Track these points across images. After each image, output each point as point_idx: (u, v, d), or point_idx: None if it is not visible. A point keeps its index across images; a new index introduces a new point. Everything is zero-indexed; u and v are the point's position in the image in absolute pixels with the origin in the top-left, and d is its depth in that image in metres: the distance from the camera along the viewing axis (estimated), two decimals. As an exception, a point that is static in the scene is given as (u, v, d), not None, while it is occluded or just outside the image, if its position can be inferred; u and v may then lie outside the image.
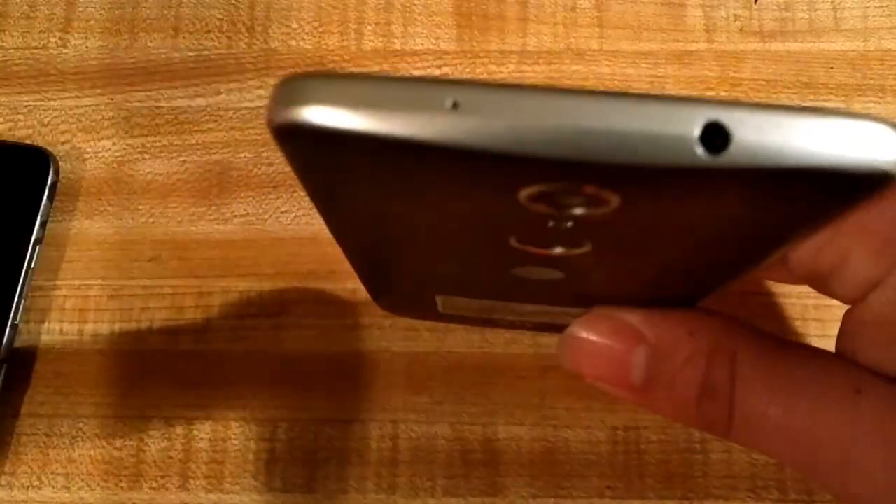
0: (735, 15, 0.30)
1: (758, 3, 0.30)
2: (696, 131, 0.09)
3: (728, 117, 0.10)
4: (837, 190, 0.10)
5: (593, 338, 0.17)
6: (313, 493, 0.25)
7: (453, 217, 0.13)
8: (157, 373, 0.26)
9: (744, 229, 0.12)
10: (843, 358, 0.16)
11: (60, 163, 0.29)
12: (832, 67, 0.29)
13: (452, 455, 0.25)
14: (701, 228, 0.12)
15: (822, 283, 0.16)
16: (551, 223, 0.12)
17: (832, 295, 0.16)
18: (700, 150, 0.09)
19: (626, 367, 0.17)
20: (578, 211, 0.11)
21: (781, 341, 0.17)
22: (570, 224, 0.12)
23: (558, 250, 0.14)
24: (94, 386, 0.26)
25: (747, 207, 0.11)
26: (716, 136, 0.09)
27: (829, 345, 0.17)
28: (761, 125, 0.10)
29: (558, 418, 0.26)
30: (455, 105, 0.09)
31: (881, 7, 0.30)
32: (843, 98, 0.29)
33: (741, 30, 0.30)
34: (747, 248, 0.14)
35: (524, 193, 0.11)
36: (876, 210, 0.14)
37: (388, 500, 0.25)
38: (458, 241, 0.15)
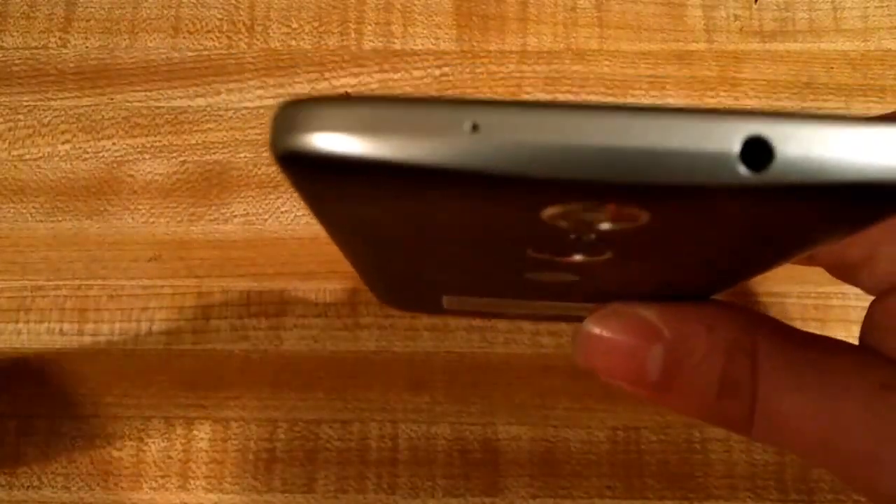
0: (735, 15, 0.30)
1: (758, 3, 0.30)
2: (737, 147, 0.09)
3: (770, 131, 0.09)
4: (886, 201, 0.10)
5: (608, 334, 0.17)
6: (313, 493, 0.25)
7: (469, 233, 0.12)
8: (157, 373, 0.26)
9: (777, 236, 0.12)
10: (868, 351, 0.15)
11: (61, 163, 0.29)
12: (832, 67, 0.29)
13: (452, 455, 0.25)
14: (731, 238, 0.12)
15: (847, 274, 0.16)
16: (573, 236, 0.11)
17: (858, 285, 0.16)
18: (741, 168, 0.09)
19: (642, 364, 0.16)
20: (604, 226, 0.11)
21: (804, 334, 0.16)
22: (592, 236, 0.11)
23: (577, 258, 0.13)
24: (94, 386, 0.26)
25: (785, 219, 0.11)
26: (758, 151, 0.09)
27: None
28: (806, 138, 0.09)
29: (558, 418, 0.26)
30: (475, 127, 0.09)
31: (881, 7, 0.30)
32: (843, 98, 0.29)
33: (741, 30, 0.30)
34: (778, 251, 0.13)
35: (548, 212, 0.10)
36: None
37: (388, 500, 0.25)
38: (473, 253, 0.14)
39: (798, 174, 0.09)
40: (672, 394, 0.17)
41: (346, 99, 0.09)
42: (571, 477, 0.25)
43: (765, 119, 0.09)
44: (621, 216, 0.10)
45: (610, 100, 0.29)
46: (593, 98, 0.29)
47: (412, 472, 0.25)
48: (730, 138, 0.09)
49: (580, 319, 0.17)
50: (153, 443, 0.26)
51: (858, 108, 0.29)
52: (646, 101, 0.29)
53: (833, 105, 0.29)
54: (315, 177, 0.10)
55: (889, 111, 0.29)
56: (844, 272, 0.16)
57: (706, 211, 0.10)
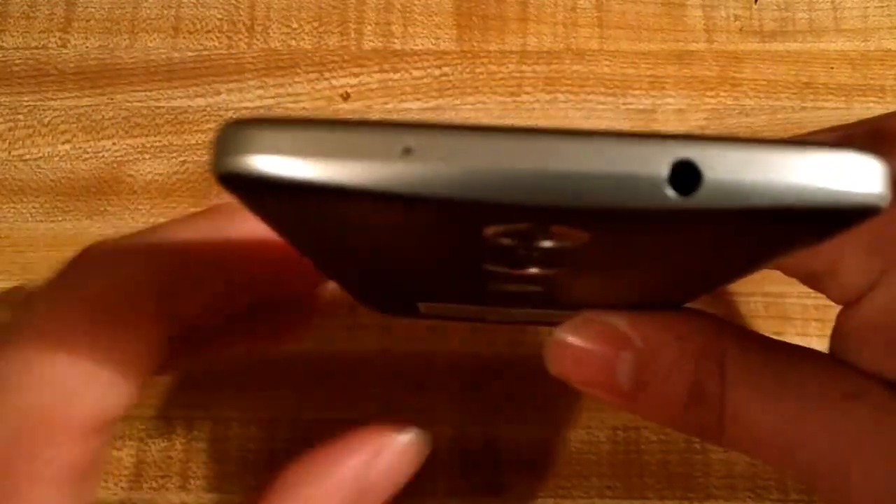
0: (735, 15, 0.30)
1: (758, 3, 0.30)
2: (665, 171, 0.09)
3: (698, 155, 0.09)
4: (820, 224, 0.10)
5: (579, 342, 0.17)
6: (313, 493, 0.25)
7: (421, 248, 0.13)
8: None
9: (723, 255, 0.12)
10: (836, 360, 0.15)
11: (61, 163, 0.29)
12: (832, 67, 0.29)
13: (452, 455, 0.25)
14: (676, 256, 0.12)
15: (815, 283, 0.16)
16: (521, 252, 0.12)
17: (826, 294, 0.16)
18: (669, 191, 0.09)
19: (612, 371, 0.16)
20: (547, 244, 0.11)
21: (772, 342, 0.16)
22: (541, 253, 0.12)
23: (533, 270, 0.13)
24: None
25: (724, 239, 0.11)
26: (686, 175, 0.09)
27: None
28: (734, 162, 0.09)
29: (558, 418, 0.26)
30: (407, 151, 0.09)
31: (881, 7, 0.30)
32: (843, 98, 0.29)
33: (741, 30, 0.30)
34: (728, 268, 0.13)
35: (488, 231, 0.10)
36: None
37: (388, 500, 0.25)
38: (430, 266, 0.14)
39: (727, 198, 0.09)
40: (643, 402, 0.17)
41: (283, 121, 0.09)
42: (571, 477, 0.25)
43: (693, 143, 0.09)
44: (560, 236, 0.10)
45: (609, 100, 0.29)
46: (592, 98, 0.29)
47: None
48: (658, 162, 0.09)
49: (558, 324, 0.17)
50: (153, 443, 0.26)
51: (858, 108, 0.29)
52: (646, 101, 0.29)
53: (833, 105, 0.29)
54: (256, 197, 0.10)
55: (889, 111, 0.29)
56: (812, 282, 0.16)
57: (642, 231, 0.10)
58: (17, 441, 0.14)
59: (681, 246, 0.11)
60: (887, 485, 0.14)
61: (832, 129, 0.17)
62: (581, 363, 0.17)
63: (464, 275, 0.15)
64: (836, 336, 0.16)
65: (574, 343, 0.17)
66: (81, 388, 0.14)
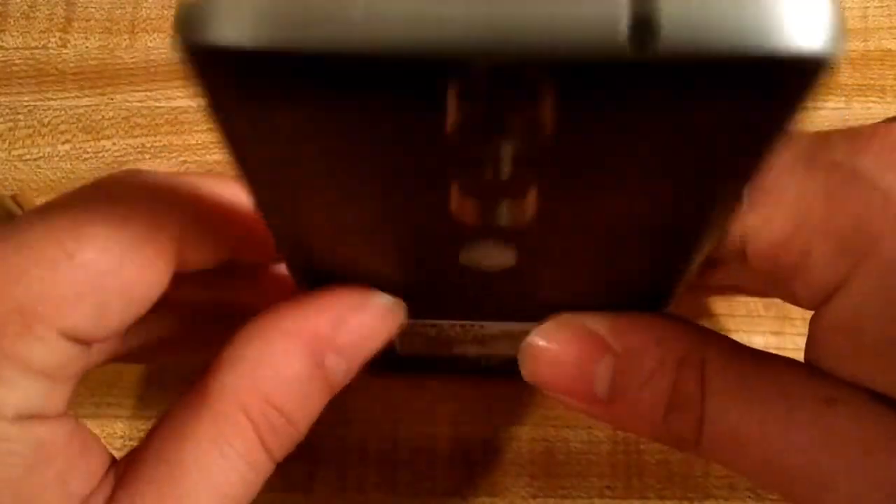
0: (735, 15, 0.30)
1: (758, 3, 0.30)
2: (623, 22, 0.09)
3: None
4: (781, 78, 0.09)
5: (554, 346, 0.16)
6: (313, 493, 0.25)
7: (382, 171, 0.12)
8: (158, 373, 0.26)
9: (687, 159, 0.11)
10: (813, 368, 0.15)
11: (60, 162, 0.29)
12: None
13: (452, 455, 0.25)
14: (644, 159, 0.12)
15: (785, 287, 0.15)
16: (489, 173, 0.11)
17: (797, 301, 0.15)
18: (624, 35, 0.09)
19: (589, 378, 0.16)
20: (508, 146, 0.11)
21: (752, 351, 0.16)
22: (508, 171, 0.11)
23: (504, 212, 0.13)
24: (94, 386, 0.26)
25: (685, 117, 0.10)
26: (643, 23, 0.09)
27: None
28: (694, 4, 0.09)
29: (558, 418, 0.26)
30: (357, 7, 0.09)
31: (881, 7, 0.30)
32: (843, 98, 0.29)
33: (741, 30, 0.30)
34: (697, 193, 0.13)
35: (450, 121, 0.10)
36: (836, 204, 0.13)
37: (388, 500, 0.25)
38: (392, 208, 0.14)
39: (686, 37, 0.09)
40: (619, 410, 0.16)
41: None
42: (571, 477, 0.25)
43: None
44: (522, 122, 0.10)
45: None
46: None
47: (412, 472, 0.25)
48: (616, 5, 0.09)
49: None
50: (153, 443, 0.26)
51: (858, 108, 0.29)
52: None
53: (833, 105, 0.29)
54: (224, 76, 0.10)
55: (890, 115, 0.29)
56: (782, 286, 0.15)
57: (606, 103, 0.10)
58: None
59: (644, 144, 0.11)
60: (864, 491, 0.14)
61: None
62: (555, 369, 0.16)
63: (429, 233, 0.14)
64: (809, 343, 0.15)
65: (549, 346, 0.16)
66: (73, 298, 0.14)
